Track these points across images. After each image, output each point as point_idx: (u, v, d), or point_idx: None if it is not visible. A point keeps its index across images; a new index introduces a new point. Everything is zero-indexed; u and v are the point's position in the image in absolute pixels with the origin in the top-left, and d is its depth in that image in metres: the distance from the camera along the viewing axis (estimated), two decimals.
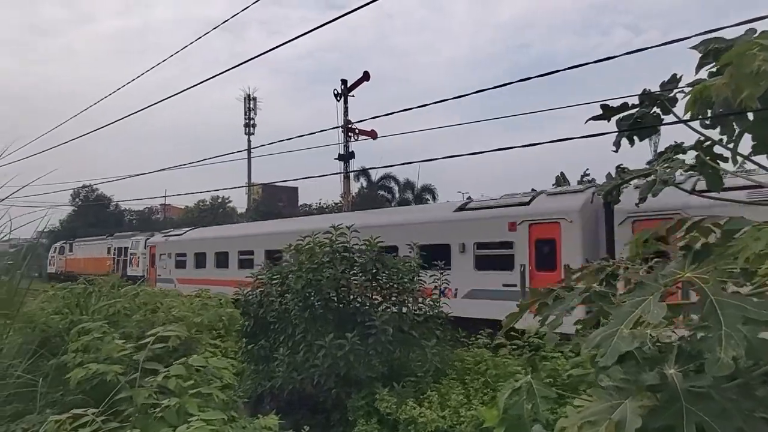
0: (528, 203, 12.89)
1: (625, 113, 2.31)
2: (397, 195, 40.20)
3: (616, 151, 2.19)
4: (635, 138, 2.35)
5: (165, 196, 52.31)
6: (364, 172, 42.83)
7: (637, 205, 1.86)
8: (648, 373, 1.59)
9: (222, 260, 21.27)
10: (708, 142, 1.90)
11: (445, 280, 9.52)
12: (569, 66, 7.24)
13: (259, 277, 9.25)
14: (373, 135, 24.74)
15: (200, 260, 22.66)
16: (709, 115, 1.78)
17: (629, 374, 1.62)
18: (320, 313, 7.86)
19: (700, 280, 1.40)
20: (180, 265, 24.12)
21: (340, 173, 25.00)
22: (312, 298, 7.95)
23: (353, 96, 24.67)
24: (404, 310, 8.24)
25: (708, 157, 1.87)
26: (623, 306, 1.43)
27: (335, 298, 8.16)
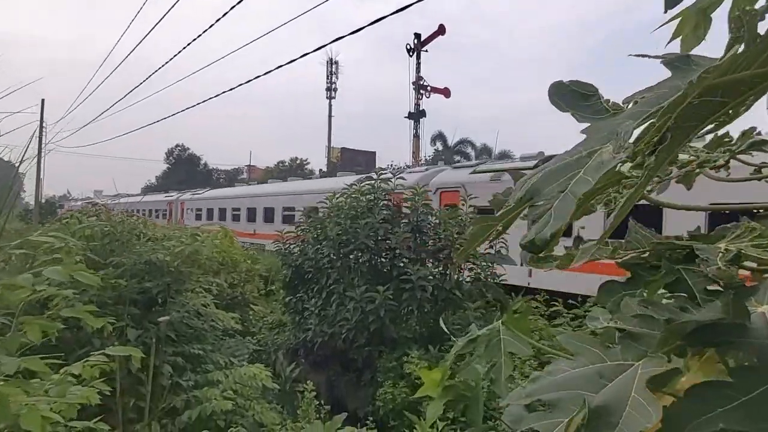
0: None
1: None
2: (473, 160, 38.65)
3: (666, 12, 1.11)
4: None
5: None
6: (440, 136, 41.80)
7: None
8: (704, 309, 0.71)
9: None
10: None
11: (503, 240, 8.50)
12: None
13: (298, 226, 8.78)
14: (446, 93, 23.44)
15: None
16: None
17: (656, 309, 0.74)
18: (354, 264, 7.23)
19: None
20: None
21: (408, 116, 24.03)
22: (348, 246, 7.32)
23: (426, 51, 23.37)
24: (448, 266, 7.41)
25: None
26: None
27: (374, 248, 7.47)
